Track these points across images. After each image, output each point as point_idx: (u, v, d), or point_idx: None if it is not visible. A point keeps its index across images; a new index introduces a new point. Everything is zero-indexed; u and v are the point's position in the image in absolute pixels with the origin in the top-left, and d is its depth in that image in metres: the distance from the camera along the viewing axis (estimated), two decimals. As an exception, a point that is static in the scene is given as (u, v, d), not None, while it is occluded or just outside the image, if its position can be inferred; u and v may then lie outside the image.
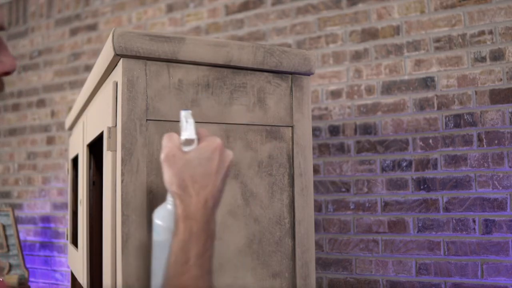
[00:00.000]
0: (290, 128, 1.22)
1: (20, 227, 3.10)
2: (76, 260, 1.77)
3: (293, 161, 1.22)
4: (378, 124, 2.03)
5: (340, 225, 2.07)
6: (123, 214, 1.04)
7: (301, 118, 1.23)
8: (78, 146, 1.77)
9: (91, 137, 1.42)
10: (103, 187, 1.21)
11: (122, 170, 1.04)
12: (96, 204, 1.68)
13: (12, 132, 3.22)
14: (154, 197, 1.07)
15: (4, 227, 2.78)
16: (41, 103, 3.10)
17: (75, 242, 2.04)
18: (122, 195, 1.04)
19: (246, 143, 1.17)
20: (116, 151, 1.08)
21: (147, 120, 1.07)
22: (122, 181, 1.04)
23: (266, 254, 1.18)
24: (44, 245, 2.99)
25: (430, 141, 1.93)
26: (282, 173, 1.21)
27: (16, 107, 3.22)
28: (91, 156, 1.61)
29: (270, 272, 1.18)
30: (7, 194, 3.19)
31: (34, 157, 3.09)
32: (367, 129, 2.05)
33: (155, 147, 1.08)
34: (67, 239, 2.10)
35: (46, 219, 3.00)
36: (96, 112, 1.34)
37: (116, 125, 1.08)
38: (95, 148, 1.66)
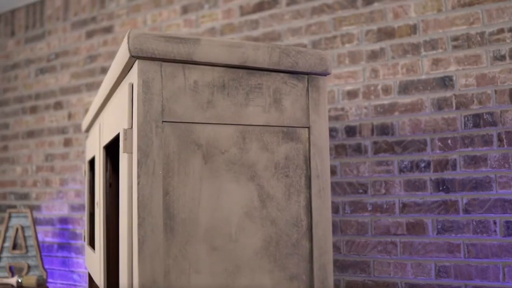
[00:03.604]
0: (306, 129, 1.21)
1: (38, 228, 3.13)
2: (93, 262, 1.77)
3: (310, 162, 1.20)
4: (396, 124, 2.00)
5: (357, 226, 2.05)
6: (139, 217, 1.03)
7: (317, 119, 1.22)
8: (94, 148, 1.77)
9: (107, 139, 1.42)
10: (119, 190, 1.20)
11: (138, 172, 1.03)
12: (112, 206, 1.68)
13: (30, 134, 3.24)
14: (171, 199, 1.06)
15: (22, 228, 2.80)
16: (58, 106, 3.12)
17: (92, 243, 2.05)
18: (138, 197, 1.03)
19: (262, 144, 1.16)
20: (132, 153, 1.07)
21: (163, 121, 1.06)
22: (138, 183, 1.03)
23: (283, 256, 1.17)
24: (62, 246, 3.00)
25: (449, 141, 1.90)
26: (299, 174, 1.19)
27: (33, 110, 3.24)
28: (108, 158, 1.61)
29: (287, 275, 1.17)
30: (25, 196, 3.22)
31: (52, 159, 3.11)
32: (384, 130, 2.03)
33: (171, 149, 1.07)
34: (84, 240, 2.11)
35: (64, 220, 3.01)
36: (112, 114, 1.34)
37: (132, 127, 1.07)
38: (112, 150, 1.66)
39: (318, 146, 1.21)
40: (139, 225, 1.03)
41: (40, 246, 2.95)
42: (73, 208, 2.98)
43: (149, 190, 1.04)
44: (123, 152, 1.08)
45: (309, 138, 1.21)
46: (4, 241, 2.79)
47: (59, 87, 3.12)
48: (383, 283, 1.99)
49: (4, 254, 2.78)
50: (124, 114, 1.11)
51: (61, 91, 3.11)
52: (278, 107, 1.18)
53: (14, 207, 3.27)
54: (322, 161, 1.21)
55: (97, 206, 1.68)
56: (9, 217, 2.82)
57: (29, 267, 2.76)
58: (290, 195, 1.18)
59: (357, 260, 2.05)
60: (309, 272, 1.19)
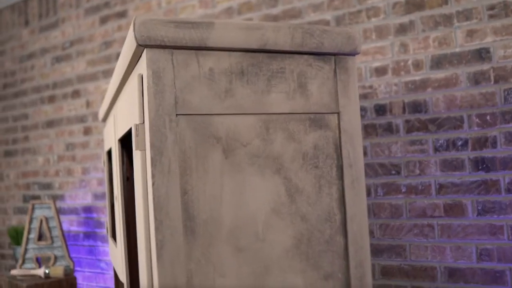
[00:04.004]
0: (336, 114, 1.10)
1: (63, 217, 3.09)
2: (116, 256, 1.70)
3: (341, 151, 1.10)
4: (429, 101, 1.88)
5: (391, 209, 1.95)
6: (156, 220, 0.94)
7: (347, 103, 1.11)
8: (110, 139, 1.69)
9: (121, 132, 1.33)
10: (134, 189, 1.12)
11: (152, 171, 0.94)
12: (131, 200, 1.60)
13: (50, 124, 3.18)
14: (190, 199, 0.97)
15: (47, 219, 2.76)
16: (76, 94, 3.05)
17: (114, 235, 1.98)
18: (154, 199, 0.94)
19: (288, 134, 1.06)
20: (145, 150, 0.98)
21: (177, 115, 0.96)
22: (153, 184, 0.94)
23: (316, 254, 1.07)
24: (87, 235, 2.96)
25: (488, 117, 1.77)
26: (329, 164, 1.09)
27: (52, 99, 3.18)
28: (123, 151, 1.52)
29: (321, 274, 1.07)
30: (49, 186, 3.17)
31: (73, 148, 3.06)
32: (416, 107, 1.90)
33: (188, 144, 0.97)
34: (107, 232, 2.04)
35: (88, 209, 2.96)
36: (124, 107, 1.25)
37: (143, 121, 0.98)
38: (127, 142, 1.58)
39: (349, 133, 1.10)
40: (157, 229, 0.94)
41: (65, 236, 2.91)
42: (96, 196, 2.93)
43: (165, 190, 0.95)
44: (136, 150, 0.99)
45: (339, 124, 1.10)
46: (29, 232, 2.75)
47: (75, 75, 3.05)
48: (421, 267, 1.88)
49: (30, 245, 2.75)
50: (135, 108, 1.01)
51: (78, 79, 3.04)
52: (303, 93, 1.07)
53: (38, 197, 3.23)
54: (354, 149, 1.11)
55: (116, 200, 1.61)
56: (33, 208, 2.78)
57: (55, 257, 2.72)
58: (320, 187, 1.08)
59: (392, 244, 1.95)
60: (345, 270, 1.09)
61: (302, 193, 1.06)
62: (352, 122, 1.11)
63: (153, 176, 0.94)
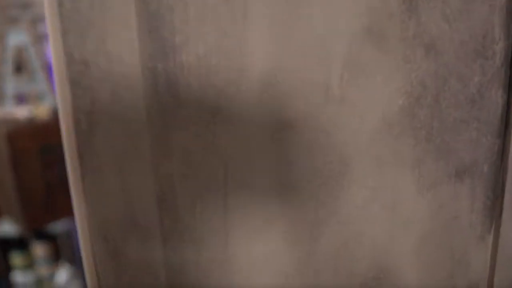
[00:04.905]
0: None
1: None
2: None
3: None
4: None
5: None
6: (70, 62, 0.36)
7: None
8: None
9: None
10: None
11: None
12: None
13: None
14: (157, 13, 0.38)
15: (20, 48, 2.21)
16: None
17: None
18: (61, 12, 0.35)
19: None
20: None
21: None
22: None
23: (447, 127, 0.50)
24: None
25: None
26: None
27: None
28: None
29: (452, 167, 0.51)
30: (28, 4, 2.57)
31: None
32: None
33: None
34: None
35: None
36: None
37: None
38: None
39: None
40: (74, 95, 0.37)
41: (50, 69, 2.39)
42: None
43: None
44: None
45: None
46: (2, 64, 2.24)
47: None
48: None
49: (7, 80, 2.24)
50: None
51: None
52: None
53: (16, 20, 2.66)
54: None
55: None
56: (4, 35, 2.23)
57: (39, 95, 2.24)
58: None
59: None
60: (495, 158, 0.52)
61: (430, -7, 0.46)
62: None
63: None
